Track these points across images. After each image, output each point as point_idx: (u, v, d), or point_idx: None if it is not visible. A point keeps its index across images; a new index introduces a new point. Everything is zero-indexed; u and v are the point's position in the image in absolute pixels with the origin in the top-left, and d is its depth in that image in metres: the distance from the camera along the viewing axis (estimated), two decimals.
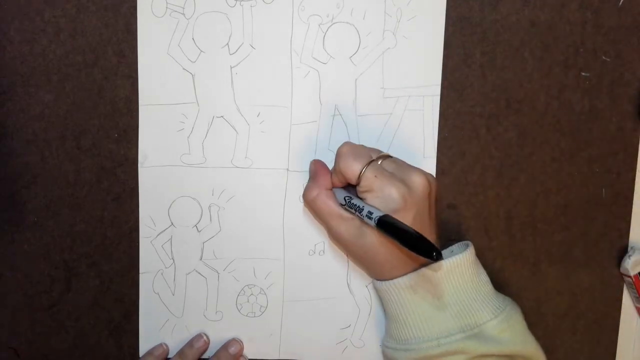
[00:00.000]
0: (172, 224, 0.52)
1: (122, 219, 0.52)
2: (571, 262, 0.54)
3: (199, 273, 0.52)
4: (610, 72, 0.52)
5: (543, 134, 0.52)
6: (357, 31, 0.50)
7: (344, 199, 0.46)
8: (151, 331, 0.53)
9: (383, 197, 0.43)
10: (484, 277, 0.47)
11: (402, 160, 0.47)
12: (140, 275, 0.52)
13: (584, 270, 0.54)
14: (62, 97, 0.50)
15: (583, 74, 0.52)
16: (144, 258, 0.52)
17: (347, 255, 0.52)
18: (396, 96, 0.51)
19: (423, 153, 0.52)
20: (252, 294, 0.53)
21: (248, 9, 0.50)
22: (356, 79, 0.51)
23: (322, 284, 0.53)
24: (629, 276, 0.53)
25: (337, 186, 0.47)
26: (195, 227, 0.52)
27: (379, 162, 0.45)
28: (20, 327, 0.52)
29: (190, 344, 0.52)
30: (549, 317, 0.54)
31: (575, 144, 0.53)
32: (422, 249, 0.39)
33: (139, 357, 0.53)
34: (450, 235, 0.53)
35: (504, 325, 0.45)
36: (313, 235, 0.52)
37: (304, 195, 0.48)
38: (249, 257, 0.52)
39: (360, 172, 0.44)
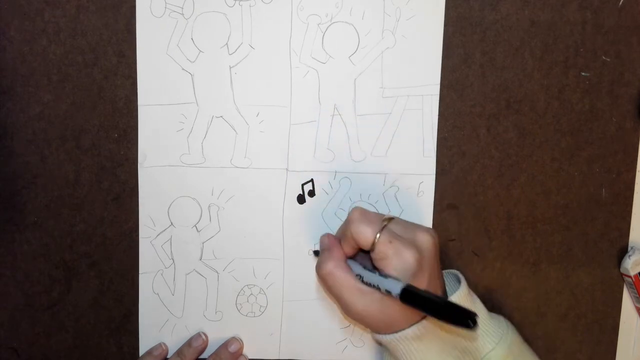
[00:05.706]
0: (171, 224, 0.52)
1: (122, 219, 0.52)
2: (571, 262, 0.54)
3: (199, 273, 0.52)
4: (610, 72, 0.52)
5: (543, 134, 0.52)
6: (356, 31, 0.50)
7: (357, 276, 0.44)
8: (151, 331, 0.53)
9: (399, 262, 0.42)
10: (479, 305, 0.48)
11: (405, 221, 0.46)
12: (140, 275, 0.52)
13: (584, 270, 0.54)
14: (62, 97, 0.50)
15: (583, 74, 0.52)
16: (144, 258, 0.52)
17: (353, 324, 0.53)
18: (395, 95, 0.51)
19: (422, 152, 0.52)
20: (251, 293, 0.53)
21: (247, 9, 0.50)
22: (355, 79, 0.51)
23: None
24: (629, 276, 0.52)
25: (348, 254, 0.46)
26: (194, 227, 0.52)
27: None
28: (20, 327, 0.53)
29: (188, 343, 0.52)
30: (549, 317, 0.54)
31: (575, 144, 0.52)
32: (455, 318, 0.37)
33: (138, 357, 0.53)
34: (450, 235, 0.53)
35: (505, 351, 0.46)
36: (313, 235, 0.52)
37: (318, 269, 0.45)
38: (248, 257, 0.52)
39: (375, 239, 0.43)
